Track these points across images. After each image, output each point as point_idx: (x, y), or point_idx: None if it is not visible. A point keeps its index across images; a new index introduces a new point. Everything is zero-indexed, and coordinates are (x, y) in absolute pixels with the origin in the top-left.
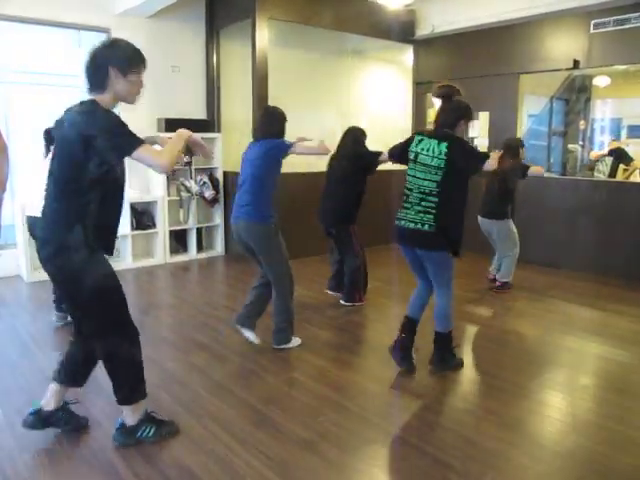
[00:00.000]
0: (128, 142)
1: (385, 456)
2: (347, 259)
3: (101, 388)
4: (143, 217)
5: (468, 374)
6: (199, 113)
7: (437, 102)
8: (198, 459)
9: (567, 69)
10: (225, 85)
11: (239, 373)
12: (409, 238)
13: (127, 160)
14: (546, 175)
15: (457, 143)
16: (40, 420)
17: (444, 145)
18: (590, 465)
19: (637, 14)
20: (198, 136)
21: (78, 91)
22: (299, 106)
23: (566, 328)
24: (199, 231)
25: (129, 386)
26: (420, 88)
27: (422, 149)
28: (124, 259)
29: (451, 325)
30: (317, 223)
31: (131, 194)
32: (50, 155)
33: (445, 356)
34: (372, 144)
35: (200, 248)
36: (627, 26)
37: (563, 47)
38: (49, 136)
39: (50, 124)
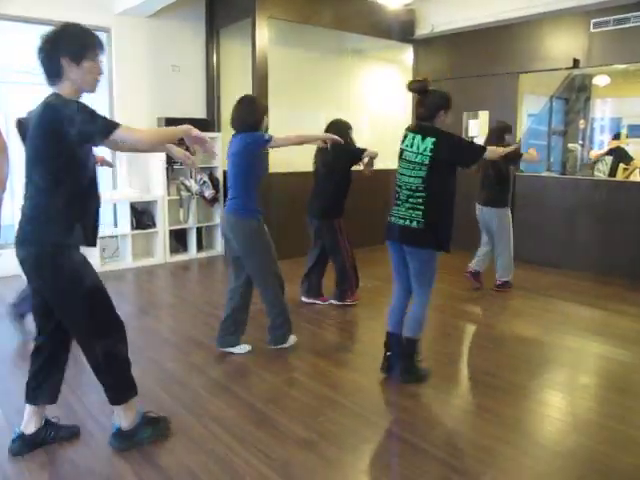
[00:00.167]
0: (106, 125)
1: (384, 455)
2: (334, 258)
3: (101, 387)
4: (143, 217)
5: (468, 373)
6: (199, 112)
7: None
8: (198, 459)
9: (567, 68)
10: (225, 84)
11: (239, 373)
12: (397, 234)
13: (127, 159)
14: (546, 174)
15: (444, 138)
16: (25, 444)
17: (430, 141)
18: (591, 465)
19: (637, 13)
20: (201, 134)
21: None
22: (299, 105)
23: (566, 327)
24: (199, 230)
25: (121, 384)
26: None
27: (407, 145)
28: (124, 258)
29: (421, 332)
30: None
31: (131, 194)
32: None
33: (410, 366)
34: (372, 144)
35: (200, 247)
36: (627, 25)
37: (563, 46)
38: (22, 126)
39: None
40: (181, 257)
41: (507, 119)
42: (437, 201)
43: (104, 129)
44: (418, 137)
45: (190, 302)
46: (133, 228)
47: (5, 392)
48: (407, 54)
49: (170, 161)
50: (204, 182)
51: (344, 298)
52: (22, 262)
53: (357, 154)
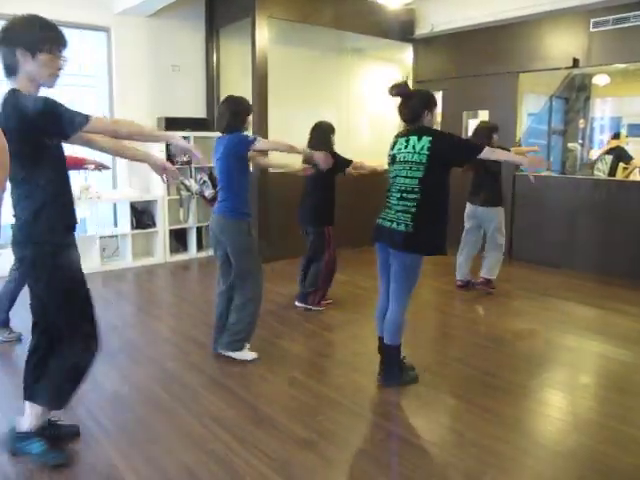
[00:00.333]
0: (78, 117)
1: (384, 455)
2: (316, 262)
3: (101, 387)
4: (143, 216)
5: (468, 373)
6: (199, 112)
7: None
8: (198, 458)
9: (567, 68)
10: (225, 84)
11: (239, 372)
12: (384, 236)
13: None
14: (545, 174)
15: (441, 137)
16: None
17: (427, 140)
18: (591, 464)
19: (637, 13)
20: (186, 143)
21: (77, 90)
22: (299, 104)
23: (566, 327)
24: (199, 230)
25: (62, 393)
26: (420, 87)
27: (399, 149)
28: (124, 258)
29: (400, 338)
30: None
31: (131, 193)
32: None
33: (393, 371)
34: (372, 143)
35: (200, 247)
36: (627, 25)
37: (563, 46)
38: None
39: None
40: (181, 257)
41: (507, 118)
42: (431, 203)
43: (70, 124)
44: (414, 138)
45: (190, 302)
46: (133, 228)
47: (5, 393)
48: (407, 53)
49: (170, 161)
50: (204, 182)
51: (307, 300)
52: (20, 260)
53: (343, 166)
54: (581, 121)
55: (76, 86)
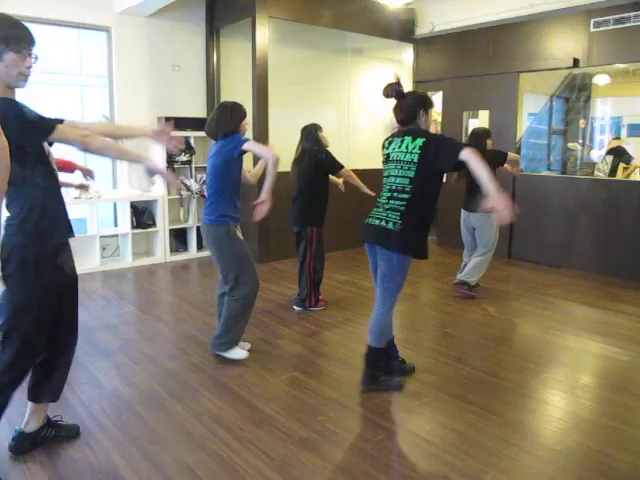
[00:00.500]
0: (44, 124)
1: (385, 454)
2: (302, 263)
3: (101, 387)
4: (143, 216)
5: (468, 373)
6: (199, 112)
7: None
8: (198, 458)
9: (567, 68)
10: (225, 84)
11: (239, 372)
12: (372, 235)
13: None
14: (545, 174)
15: (433, 137)
16: (25, 443)
17: (420, 140)
18: (591, 464)
19: (637, 13)
20: (158, 168)
21: (77, 89)
22: (299, 104)
23: (566, 327)
24: (199, 230)
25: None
26: (420, 87)
27: (393, 149)
28: (124, 258)
29: (384, 341)
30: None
31: (131, 193)
32: None
33: (377, 374)
34: (371, 143)
35: (200, 246)
36: (627, 25)
37: (563, 46)
38: None
39: None
40: (181, 256)
41: (507, 118)
42: (419, 204)
43: (47, 128)
44: (408, 138)
45: (190, 301)
46: (133, 227)
47: None
48: (407, 53)
49: (170, 160)
50: (204, 181)
51: (304, 305)
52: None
53: (334, 169)
54: (581, 121)
55: (75, 85)
